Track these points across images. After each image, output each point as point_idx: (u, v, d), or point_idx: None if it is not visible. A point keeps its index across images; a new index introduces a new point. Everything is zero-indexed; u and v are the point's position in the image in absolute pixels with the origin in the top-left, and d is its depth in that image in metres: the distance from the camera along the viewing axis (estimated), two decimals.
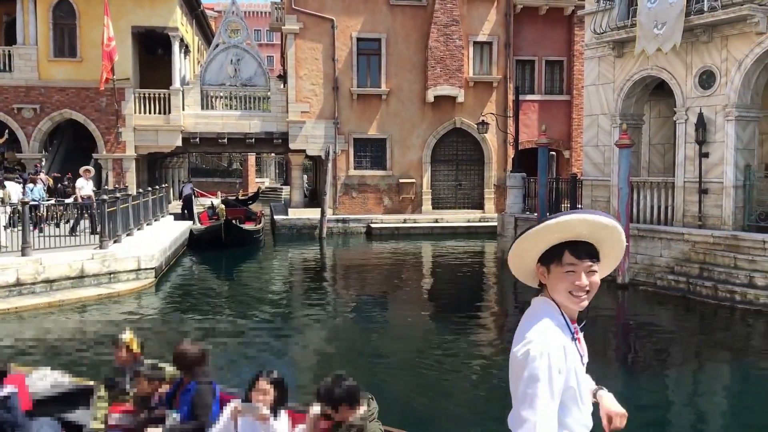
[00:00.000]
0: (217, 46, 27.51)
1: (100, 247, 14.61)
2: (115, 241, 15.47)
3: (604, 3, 16.54)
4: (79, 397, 5.74)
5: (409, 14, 27.18)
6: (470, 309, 13.65)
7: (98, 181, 25.32)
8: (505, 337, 11.43)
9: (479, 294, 15.88)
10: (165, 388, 5.05)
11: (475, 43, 27.59)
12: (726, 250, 13.36)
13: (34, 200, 16.24)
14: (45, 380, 5.75)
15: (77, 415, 5.56)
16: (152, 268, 15.02)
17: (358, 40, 27.02)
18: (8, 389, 5.21)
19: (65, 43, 25.61)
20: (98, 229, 15.29)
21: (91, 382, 5.93)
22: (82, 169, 18.91)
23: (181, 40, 27.84)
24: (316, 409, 4.21)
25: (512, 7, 27.49)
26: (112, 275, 14.24)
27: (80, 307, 12.60)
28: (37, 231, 15.22)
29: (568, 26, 28.20)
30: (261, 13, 67.49)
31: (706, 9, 13.86)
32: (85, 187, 18.34)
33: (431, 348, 10.37)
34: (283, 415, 4.40)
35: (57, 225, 16.96)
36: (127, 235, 16.94)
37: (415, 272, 19.01)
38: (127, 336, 5.48)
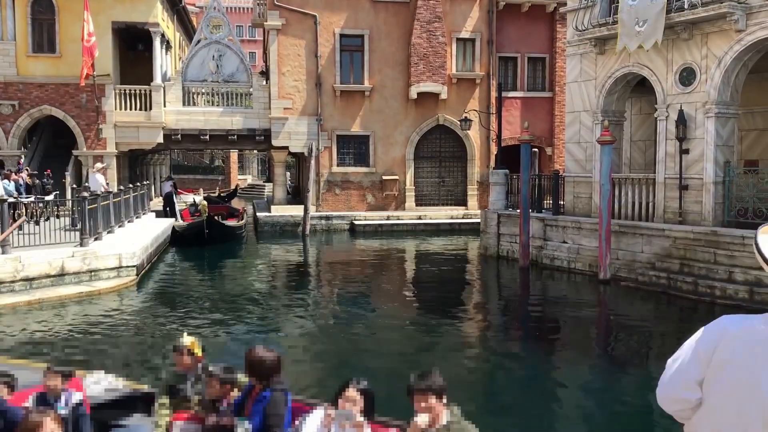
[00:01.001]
0: (198, 41, 27.33)
1: (81, 244, 14.46)
2: (95, 239, 15.32)
3: (585, 0, 16.63)
4: (136, 403, 5.53)
5: (392, 11, 27.15)
6: (454, 305, 13.67)
7: (78, 178, 25.08)
8: (488, 332, 11.48)
9: (463, 290, 15.91)
10: (234, 394, 4.75)
11: (458, 39, 27.62)
12: (706, 245, 13.49)
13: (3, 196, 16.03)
14: (99, 384, 5.55)
15: (135, 422, 5.36)
16: (134, 266, 14.90)
17: (341, 36, 26.95)
18: (77, 396, 4.97)
19: (44, 38, 25.29)
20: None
21: (145, 387, 5.76)
22: (98, 167, 20.29)
23: (162, 35, 27.60)
24: (423, 418, 3.68)
25: (495, 3, 27.56)
26: (93, 273, 14.11)
27: (60, 306, 12.47)
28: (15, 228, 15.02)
29: (551, 23, 28.32)
30: (243, 8, 67.08)
31: (686, 6, 13.97)
32: (98, 178, 19.29)
33: (414, 344, 10.38)
34: (367, 426, 4.06)
35: (36, 222, 16.75)
36: (108, 232, 16.79)
37: (398, 269, 19.03)
38: (188, 340, 5.15)
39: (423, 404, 3.70)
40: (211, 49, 27.17)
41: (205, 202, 23.25)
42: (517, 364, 9.65)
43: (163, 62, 28.20)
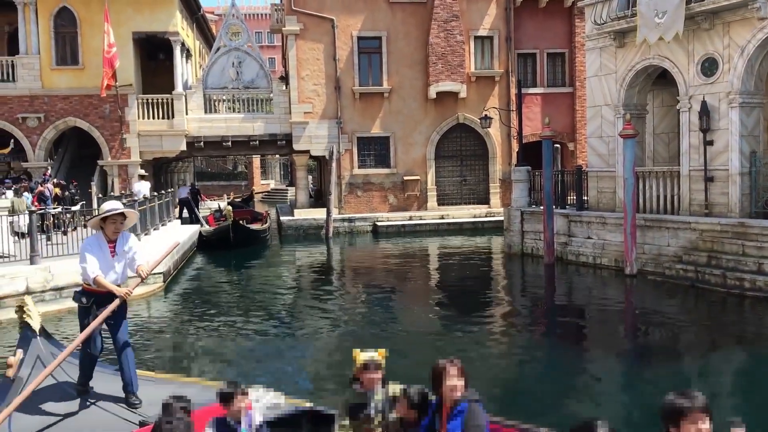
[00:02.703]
0: (218, 49, 27.57)
1: None
2: None
3: None
4: (304, 422, 5.17)
5: (408, 11, 27.15)
6: (481, 302, 13.64)
7: (104, 188, 25.43)
8: (516, 328, 11.43)
9: (488, 288, 15.85)
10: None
11: (476, 37, 27.55)
12: (734, 237, 13.31)
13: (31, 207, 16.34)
14: (261, 401, 5.09)
15: None
16: (160, 273, 15.06)
17: (359, 38, 27.01)
18: (258, 418, 4.60)
19: (67, 51, 25.68)
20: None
21: (308, 404, 5.49)
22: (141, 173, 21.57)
23: (182, 44, 27.89)
24: None
25: (512, 0, 27.45)
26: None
27: None
28: (44, 238, 15.29)
29: (569, 18, 28.13)
30: (261, 15, 67.53)
31: None
32: (142, 189, 20.04)
33: (444, 340, 10.37)
34: None
35: (64, 233, 17.01)
36: None
37: (423, 269, 19.01)
38: (375, 353, 4.64)
39: (698, 426, 2.97)
40: (231, 56, 27.39)
41: (230, 207, 23.71)
42: (545, 358, 9.61)
43: (184, 71, 28.51)
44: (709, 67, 14.30)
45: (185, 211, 26.86)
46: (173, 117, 26.21)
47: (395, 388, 4.51)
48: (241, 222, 23.23)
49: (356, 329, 11.45)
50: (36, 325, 5.93)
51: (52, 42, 25.34)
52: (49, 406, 5.43)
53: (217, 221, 25.25)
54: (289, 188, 48.66)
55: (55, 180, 22.45)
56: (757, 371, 8.94)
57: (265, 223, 26.62)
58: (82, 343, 5.53)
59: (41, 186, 20.54)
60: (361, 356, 4.60)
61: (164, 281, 15.14)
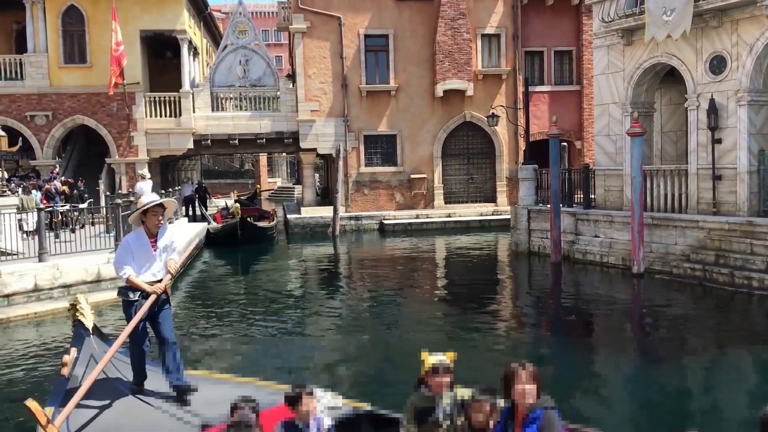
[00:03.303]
0: (225, 47, 27.62)
1: (116, 250, 14.69)
2: None
3: None
4: (363, 425, 5.00)
5: (415, 9, 27.13)
6: (488, 301, 13.62)
7: (111, 186, 25.52)
8: (523, 326, 11.42)
9: (495, 286, 15.83)
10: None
11: (482, 35, 27.51)
12: (742, 236, 13.26)
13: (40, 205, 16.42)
14: (320, 402, 4.85)
15: None
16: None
17: (366, 36, 27.00)
18: (327, 421, 4.45)
19: (75, 49, 25.78)
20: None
21: (366, 406, 5.33)
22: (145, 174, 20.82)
23: (190, 42, 27.94)
24: None
25: None
26: None
27: (98, 311, 12.69)
28: (53, 236, 15.36)
29: (576, 16, 28.07)
30: (268, 13, 67.60)
31: None
32: (144, 188, 19.47)
33: (451, 339, 10.36)
34: None
35: (72, 230, 17.08)
36: None
37: (430, 267, 19.00)
38: (443, 356, 4.41)
39: None
40: (238, 54, 27.44)
41: (238, 205, 23.98)
42: (551, 357, 9.60)
43: (191, 69, 28.56)
44: (717, 65, 14.23)
45: (190, 209, 27.02)
46: (180, 115, 26.28)
47: (464, 392, 4.35)
48: (248, 219, 23.49)
49: (364, 326, 11.46)
50: (89, 323, 5.91)
51: (60, 40, 25.45)
52: (104, 406, 5.39)
53: (224, 219, 25.43)
54: (295, 186, 48.74)
55: (62, 178, 22.55)
56: (766, 370, 8.90)
57: (272, 220, 26.77)
58: (128, 339, 5.58)
59: (48, 184, 20.64)
60: (430, 359, 4.38)
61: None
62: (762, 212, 13.64)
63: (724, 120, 14.10)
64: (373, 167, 27.43)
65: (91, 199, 21.89)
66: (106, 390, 5.51)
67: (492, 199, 28.04)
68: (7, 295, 12.48)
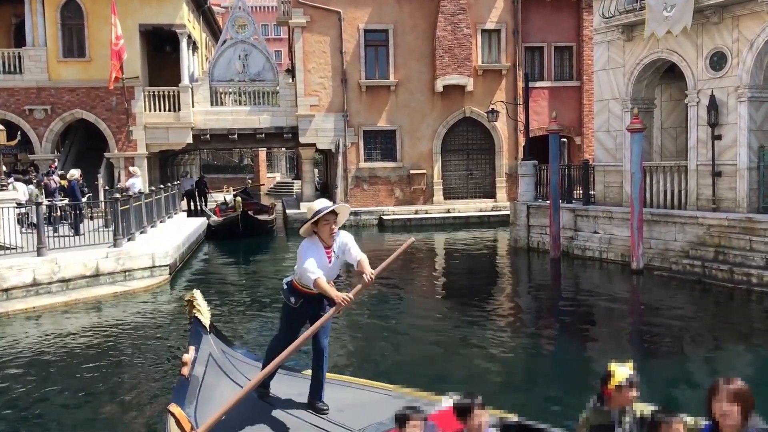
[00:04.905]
0: (224, 42, 27.56)
1: (114, 245, 14.70)
2: (129, 239, 15.56)
3: None
4: None
5: (416, 4, 27.06)
6: (486, 297, 13.62)
7: (110, 180, 25.48)
8: (522, 323, 11.41)
9: (494, 282, 15.83)
10: None
11: (483, 31, 27.46)
12: (741, 232, 13.25)
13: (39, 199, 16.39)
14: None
15: None
16: (167, 265, 15.10)
17: (366, 31, 26.95)
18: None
19: (74, 43, 25.70)
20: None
21: (513, 416, 4.93)
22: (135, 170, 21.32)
23: (189, 36, 27.86)
24: None
25: None
26: (126, 273, 14.33)
27: (96, 306, 12.69)
28: (51, 230, 15.33)
29: (577, 11, 28.01)
30: (268, 7, 67.41)
31: None
32: (136, 183, 19.97)
33: (449, 335, 10.37)
34: None
35: (77, 232, 17.03)
36: (141, 233, 17.04)
37: (429, 263, 18.99)
38: (627, 368, 4.00)
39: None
40: (237, 48, 27.39)
41: (239, 199, 24.11)
42: (550, 353, 9.60)
43: (191, 63, 28.49)
44: (717, 61, 14.21)
45: (191, 203, 27.09)
46: (179, 109, 26.23)
47: (643, 408, 4.00)
48: (249, 213, 23.61)
49: (360, 319, 11.46)
50: (206, 320, 5.61)
51: (59, 34, 25.36)
52: (232, 410, 4.73)
53: (224, 213, 25.52)
54: (295, 181, 48.67)
55: (61, 172, 22.48)
56: (765, 366, 8.90)
57: (272, 214, 26.94)
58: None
59: (46, 179, 20.58)
60: (620, 371, 3.95)
61: (170, 273, 15.15)
62: (761, 209, 13.63)
63: (724, 116, 14.08)
64: (373, 162, 27.40)
65: (90, 194, 21.84)
66: (232, 394, 4.98)
67: (491, 194, 28.03)
68: (6, 290, 12.46)
